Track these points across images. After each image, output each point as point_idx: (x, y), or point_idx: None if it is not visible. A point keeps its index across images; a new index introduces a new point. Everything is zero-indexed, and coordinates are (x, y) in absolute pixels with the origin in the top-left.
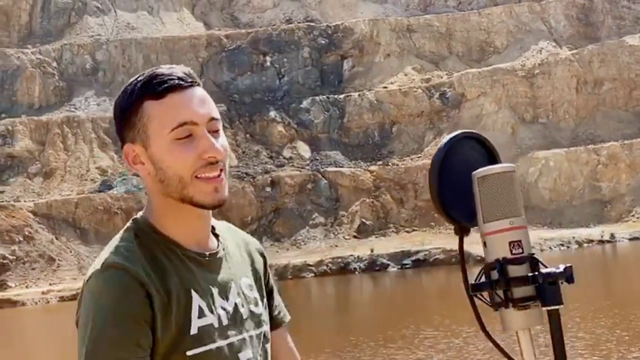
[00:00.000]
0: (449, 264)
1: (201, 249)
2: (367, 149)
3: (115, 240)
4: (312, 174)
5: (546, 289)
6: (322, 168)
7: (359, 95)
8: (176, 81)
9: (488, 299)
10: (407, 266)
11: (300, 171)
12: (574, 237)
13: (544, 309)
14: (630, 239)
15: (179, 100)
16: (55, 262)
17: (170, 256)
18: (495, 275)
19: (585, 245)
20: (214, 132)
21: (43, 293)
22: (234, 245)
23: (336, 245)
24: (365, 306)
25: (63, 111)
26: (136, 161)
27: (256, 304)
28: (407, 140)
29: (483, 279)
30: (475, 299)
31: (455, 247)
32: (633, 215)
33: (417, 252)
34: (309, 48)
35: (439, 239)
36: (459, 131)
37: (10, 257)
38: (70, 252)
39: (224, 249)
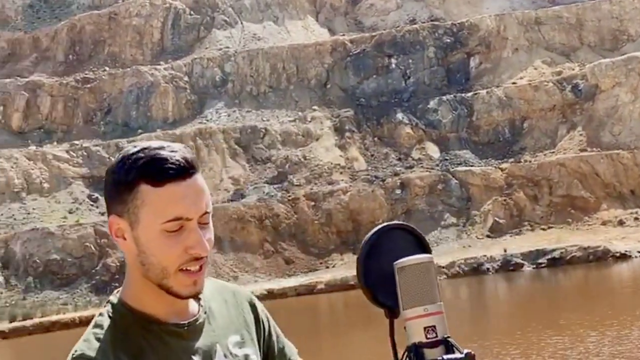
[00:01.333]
0: (587, 262)
1: (180, 319)
2: (497, 146)
3: (90, 327)
4: (442, 174)
5: None
6: (452, 168)
7: (487, 92)
8: (176, 171)
9: None
10: (543, 265)
11: (429, 172)
12: None
13: None
14: None
15: (177, 193)
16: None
17: (147, 336)
18: (413, 357)
19: None
20: (204, 225)
21: None
22: (220, 303)
23: (469, 246)
24: (501, 307)
25: (195, 124)
26: (119, 234)
27: (247, 358)
28: (539, 136)
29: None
30: None
31: (594, 244)
32: None
33: (553, 250)
34: (434, 47)
35: (576, 236)
36: (387, 223)
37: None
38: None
39: (205, 312)
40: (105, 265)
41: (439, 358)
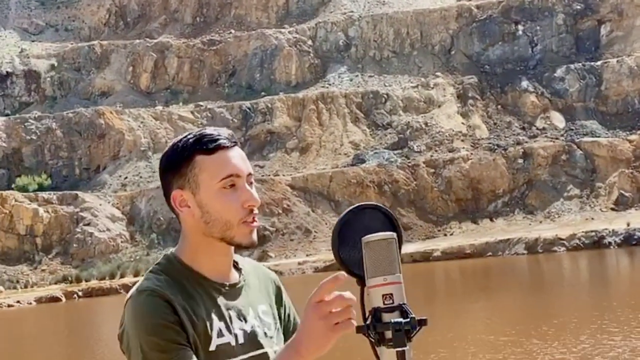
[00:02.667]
0: None
1: (223, 280)
2: (626, 117)
3: (147, 274)
4: (567, 144)
5: (394, 335)
6: (577, 138)
7: (617, 61)
8: (224, 141)
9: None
10: None
11: (553, 142)
12: None
13: (391, 349)
14: None
15: (226, 157)
16: (311, 233)
17: (196, 286)
18: (372, 321)
19: None
20: (251, 184)
21: (299, 264)
22: (255, 277)
23: (592, 218)
24: (620, 284)
25: (318, 87)
26: (182, 205)
27: (269, 328)
28: None
29: (368, 322)
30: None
31: None
32: None
33: None
34: (564, 14)
35: None
36: (362, 203)
37: (271, 229)
38: (325, 224)
39: (244, 281)
40: None
41: (390, 321)
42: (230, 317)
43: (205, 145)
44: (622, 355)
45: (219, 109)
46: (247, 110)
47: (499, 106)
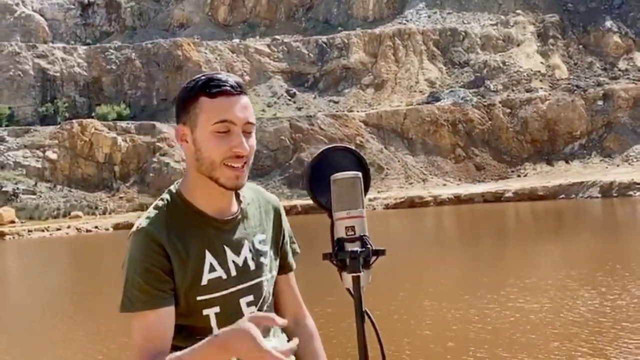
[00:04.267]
0: None
1: (221, 216)
2: None
3: (151, 207)
4: None
5: (349, 261)
6: None
7: None
8: (227, 87)
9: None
10: None
11: (636, 84)
12: None
13: (348, 274)
14: None
15: (226, 103)
16: (384, 170)
17: (192, 222)
18: (335, 249)
19: None
20: (247, 134)
21: (370, 200)
22: (255, 206)
23: None
24: None
25: (395, 24)
26: (183, 139)
27: (265, 256)
28: None
29: (332, 251)
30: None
31: None
32: None
33: None
34: None
35: None
36: (334, 144)
37: None
38: (398, 161)
39: (241, 213)
40: (298, 159)
41: (349, 249)
42: (224, 251)
43: (209, 88)
44: None
45: (296, 43)
46: (324, 45)
47: (581, 46)
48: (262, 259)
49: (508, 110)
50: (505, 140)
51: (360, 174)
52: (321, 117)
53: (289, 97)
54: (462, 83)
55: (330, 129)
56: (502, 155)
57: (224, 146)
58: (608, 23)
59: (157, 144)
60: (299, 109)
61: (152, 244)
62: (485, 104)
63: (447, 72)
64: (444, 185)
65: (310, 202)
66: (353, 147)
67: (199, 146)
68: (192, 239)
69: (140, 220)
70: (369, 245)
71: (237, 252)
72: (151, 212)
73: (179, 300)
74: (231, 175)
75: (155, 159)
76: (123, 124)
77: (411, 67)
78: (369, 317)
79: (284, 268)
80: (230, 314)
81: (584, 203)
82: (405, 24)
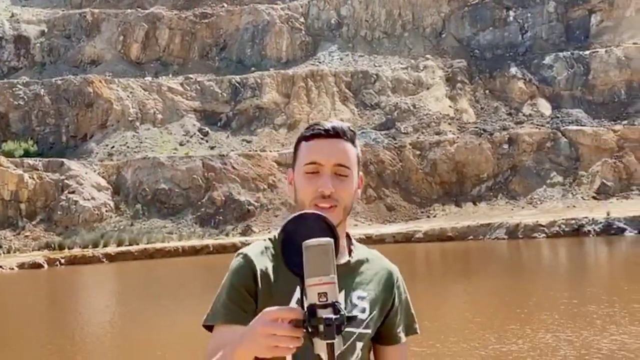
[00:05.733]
0: None
1: None
2: (611, 107)
3: (257, 241)
4: (552, 132)
5: (323, 328)
6: (563, 126)
7: (606, 51)
8: (321, 131)
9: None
10: None
11: (539, 129)
12: None
13: (322, 341)
14: None
15: (316, 145)
16: (295, 210)
17: None
18: (308, 315)
19: None
20: (340, 176)
21: None
22: (369, 267)
23: (574, 206)
24: (593, 272)
25: (308, 65)
26: (290, 182)
27: (363, 311)
28: None
29: (304, 317)
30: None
31: None
32: None
33: None
34: (555, 2)
35: None
36: (305, 211)
37: (255, 204)
38: None
39: (347, 266)
40: (210, 198)
41: (324, 316)
42: None
43: (306, 133)
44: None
45: (209, 82)
46: (237, 84)
47: (487, 91)
48: (355, 311)
49: (418, 152)
50: (415, 181)
51: (332, 241)
52: (234, 156)
53: (202, 136)
54: (373, 125)
55: (243, 168)
56: (412, 196)
57: (311, 187)
58: (513, 70)
59: (66, 181)
60: (212, 147)
61: (244, 265)
62: (396, 145)
63: (358, 114)
64: (355, 225)
65: (223, 241)
66: (323, 214)
67: (295, 187)
68: (286, 273)
69: (243, 248)
70: (342, 312)
71: None
72: (256, 242)
73: None
74: None
75: (63, 197)
76: (30, 160)
77: (324, 108)
78: None
79: (389, 339)
80: (309, 355)
81: (491, 244)
82: (318, 65)
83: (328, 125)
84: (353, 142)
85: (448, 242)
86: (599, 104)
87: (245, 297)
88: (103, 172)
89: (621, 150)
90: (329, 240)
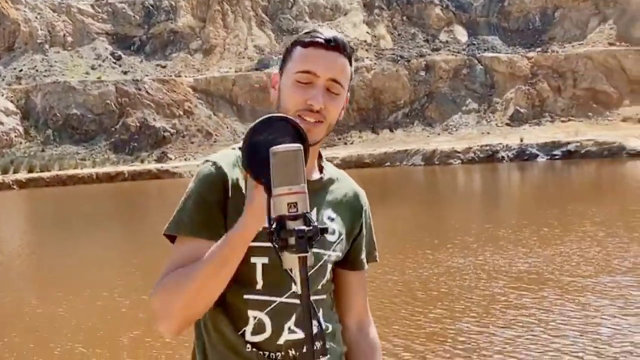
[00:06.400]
0: (601, 157)
1: None
2: (526, 34)
3: (229, 147)
4: (468, 58)
5: (297, 242)
6: (479, 53)
7: None
8: (321, 39)
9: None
10: (557, 157)
11: (455, 56)
12: None
13: (294, 255)
14: None
15: (315, 54)
16: (212, 136)
17: None
18: (277, 227)
19: None
20: (331, 93)
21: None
22: (339, 186)
23: (488, 133)
24: (501, 198)
25: None
26: (274, 86)
27: (332, 233)
28: (569, 27)
29: (272, 229)
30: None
31: (610, 139)
32: None
33: (568, 143)
34: None
35: (595, 130)
36: (271, 114)
37: (171, 130)
38: (227, 127)
39: (319, 183)
40: (125, 124)
41: (294, 228)
42: None
43: (304, 38)
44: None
45: (121, 4)
46: (150, 7)
47: (404, 17)
48: (327, 235)
49: None
50: None
51: (302, 147)
52: (148, 81)
53: (114, 60)
54: None
55: (158, 93)
56: None
57: (301, 97)
58: None
59: None
60: (125, 72)
61: (214, 174)
62: None
63: (275, 39)
64: None
65: (138, 168)
66: (291, 117)
67: (281, 93)
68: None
69: (211, 155)
70: (314, 224)
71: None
72: (225, 151)
73: None
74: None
75: None
76: None
77: (240, 33)
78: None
79: (354, 264)
80: (279, 268)
81: (408, 170)
82: None
83: (330, 35)
84: (350, 59)
85: (365, 169)
86: (514, 31)
87: (213, 210)
88: (11, 97)
89: (534, 77)
90: (298, 145)
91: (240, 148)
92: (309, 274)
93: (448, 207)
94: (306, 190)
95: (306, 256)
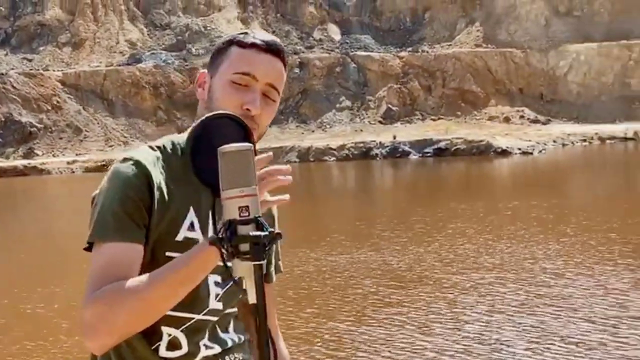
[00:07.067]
0: (470, 154)
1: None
2: (398, 34)
3: (144, 145)
4: (341, 57)
5: (253, 248)
6: (352, 51)
7: None
8: (263, 44)
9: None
10: (428, 154)
11: (329, 54)
12: (596, 134)
13: (248, 262)
14: None
15: (255, 57)
16: (82, 132)
17: (186, 174)
18: (227, 233)
19: (608, 142)
20: (268, 98)
21: (69, 163)
22: None
23: (361, 130)
24: (373, 192)
25: None
26: (201, 85)
27: None
28: (438, 27)
29: (222, 234)
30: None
31: (478, 138)
32: None
33: (439, 141)
34: None
35: (464, 129)
36: (217, 112)
37: (39, 126)
38: (97, 123)
39: None
40: None
41: (249, 233)
42: (208, 217)
43: (243, 38)
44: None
45: None
46: None
47: (279, 14)
48: None
49: None
50: None
51: (252, 146)
52: (14, 75)
53: None
54: (163, 45)
55: (24, 88)
56: None
57: (236, 99)
58: None
59: None
60: None
61: (138, 173)
62: (187, 67)
63: (148, 34)
64: None
65: (3, 165)
66: (236, 115)
67: (211, 95)
68: (180, 189)
69: (129, 152)
70: (271, 229)
71: None
72: (143, 148)
73: (146, 247)
74: None
75: None
76: None
77: (111, 27)
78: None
79: (266, 277)
80: (197, 286)
81: None
82: None
83: (268, 38)
84: (285, 66)
85: None
86: (386, 30)
87: (141, 211)
88: None
89: (406, 76)
90: (249, 145)
91: (159, 147)
92: (228, 287)
93: (322, 204)
94: (257, 192)
95: (262, 264)
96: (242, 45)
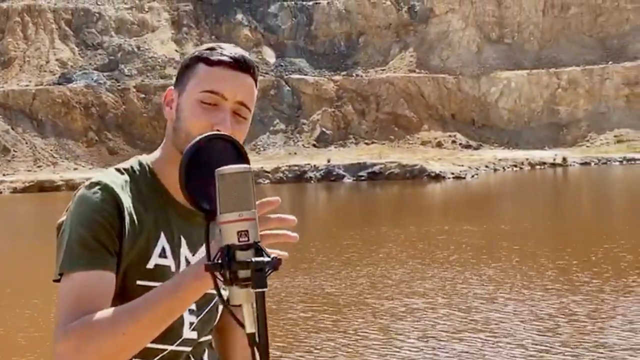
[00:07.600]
0: (404, 178)
1: (186, 202)
2: (332, 58)
3: (110, 169)
4: (276, 80)
5: (255, 275)
6: (286, 75)
7: (327, 3)
8: (230, 59)
9: (221, 277)
10: (362, 178)
11: (264, 77)
12: (527, 159)
13: (250, 290)
14: (581, 164)
15: (222, 74)
16: (10, 152)
17: (155, 197)
18: (226, 259)
19: (538, 167)
20: (238, 116)
21: None
22: None
23: (295, 153)
24: (313, 215)
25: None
26: (169, 103)
27: None
28: (372, 52)
29: (219, 260)
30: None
31: (411, 162)
32: (587, 140)
33: (373, 165)
34: None
35: (397, 153)
36: (210, 132)
37: None
38: (26, 143)
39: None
40: None
41: (249, 260)
42: (180, 243)
43: (210, 55)
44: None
45: None
46: None
47: (213, 36)
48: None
49: (142, 96)
50: (140, 125)
51: (250, 168)
52: None
53: None
54: (95, 65)
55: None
56: (136, 140)
57: (205, 120)
58: (239, 16)
59: None
60: None
61: (106, 198)
62: (119, 87)
63: (79, 54)
64: (75, 169)
65: None
66: (231, 136)
67: (179, 114)
68: (150, 215)
69: (96, 176)
70: (273, 255)
71: (194, 251)
72: (110, 171)
73: (117, 276)
74: None
75: None
76: None
77: (42, 46)
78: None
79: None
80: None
81: None
82: (35, 0)
83: (238, 54)
84: (256, 82)
85: None
86: (320, 54)
87: (112, 237)
88: None
89: (340, 100)
90: (247, 166)
91: (127, 170)
92: (203, 315)
93: None
94: (257, 217)
95: (264, 291)
96: (209, 62)
